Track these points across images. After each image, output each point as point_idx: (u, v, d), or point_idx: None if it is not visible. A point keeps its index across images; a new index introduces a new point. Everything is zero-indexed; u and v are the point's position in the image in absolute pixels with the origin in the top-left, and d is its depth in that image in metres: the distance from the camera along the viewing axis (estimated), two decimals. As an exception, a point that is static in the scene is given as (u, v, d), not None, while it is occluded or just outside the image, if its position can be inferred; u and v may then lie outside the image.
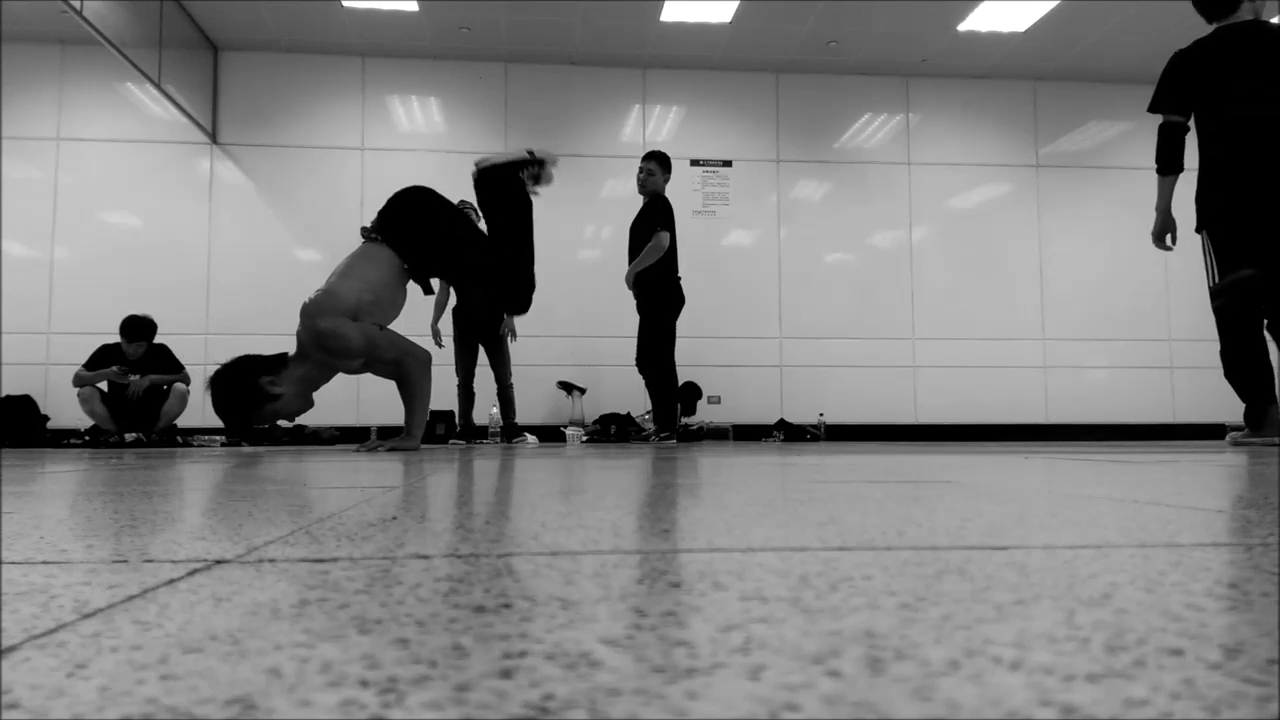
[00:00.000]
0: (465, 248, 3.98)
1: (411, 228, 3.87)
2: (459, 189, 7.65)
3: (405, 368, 3.80)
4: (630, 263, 5.63)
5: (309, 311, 3.68)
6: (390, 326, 3.91)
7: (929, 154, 8.21)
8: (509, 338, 6.20)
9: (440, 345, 6.15)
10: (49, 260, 7.31)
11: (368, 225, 3.99)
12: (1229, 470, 2.00)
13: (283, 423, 6.96)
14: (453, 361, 6.19)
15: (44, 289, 7.27)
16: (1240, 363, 3.26)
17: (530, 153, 4.10)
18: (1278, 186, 3.16)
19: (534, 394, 7.06)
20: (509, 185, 4.04)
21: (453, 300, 6.27)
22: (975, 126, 8.28)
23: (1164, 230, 3.63)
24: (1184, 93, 3.40)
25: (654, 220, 5.52)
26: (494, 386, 6.23)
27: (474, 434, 6.23)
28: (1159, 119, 3.60)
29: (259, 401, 3.59)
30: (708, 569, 0.62)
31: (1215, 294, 3.30)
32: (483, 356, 6.23)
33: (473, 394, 6.19)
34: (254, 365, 3.63)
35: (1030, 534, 0.82)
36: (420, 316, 5.97)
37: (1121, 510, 1.05)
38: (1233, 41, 3.33)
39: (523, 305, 4.27)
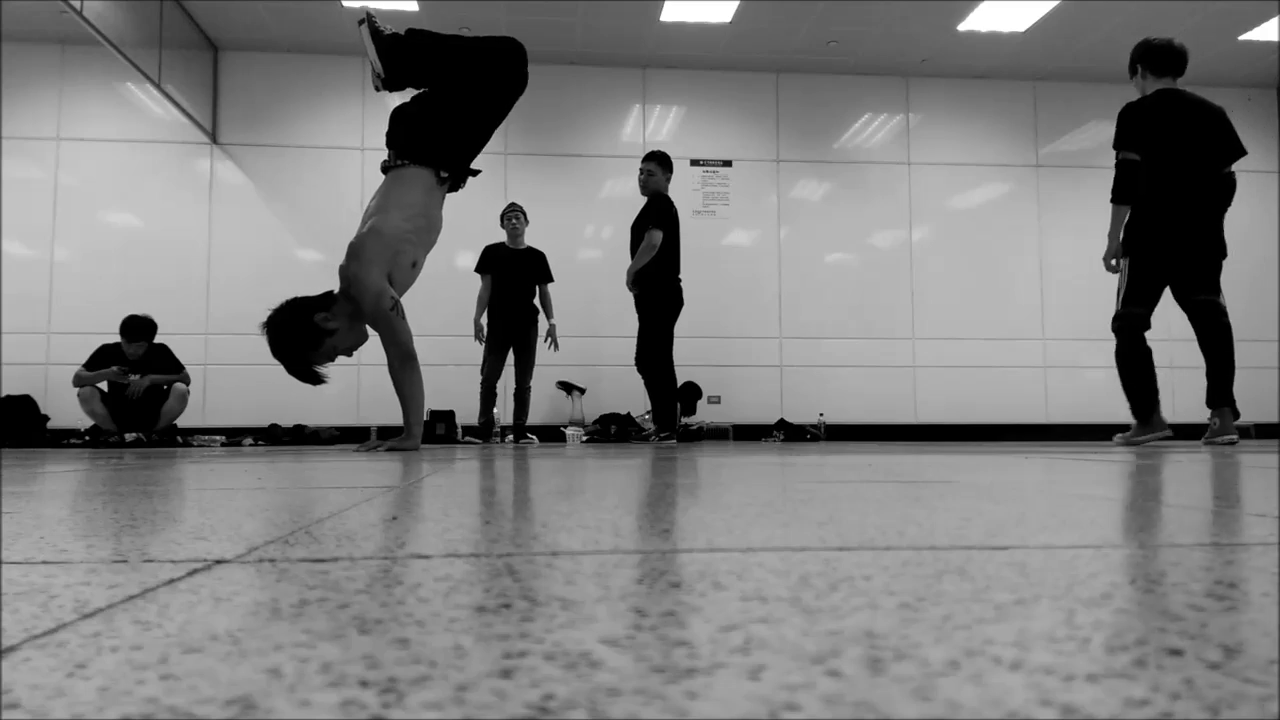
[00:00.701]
0: (463, 113, 3.89)
1: (429, 131, 3.83)
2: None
3: (389, 356, 3.79)
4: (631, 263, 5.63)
5: (351, 251, 3.70)
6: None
7: (929, 154, 8.21)
8: (550, 346, 6.29)
9: (481, 341, 6.21)
10: (49, 260, 7.31)
11: (386, 160, 3.96)
12: (1229, 470, 2.00)
13: (282, 423, 6.99)
14: (478, 361, 6.25)
15: (44, 289, 7.27)
16: (1131, 370, 4.04)
17: (364, 17, 4.04)
18: (1192, 239, 3.95)
19: (534, 394, 7.06)
20: (402, 52, 3.95)
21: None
22: (975, 126, 8.28)
23: (1114, 255, 4.13)
24: (1137, 137, 3.99)
25: (648, 219, 5.52)
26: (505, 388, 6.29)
27: (489, 433, 6.27)
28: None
29: (318, 338, 3.60)
30: (708, 569, 0.62)
31: (1116, 319, 4.12)
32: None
33: (495, 394, 6.24)
34: (306, 305, 3.64)
35: (1030, 534, 0.82)
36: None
37: (1121, 510, 1.05)
38: (1173, 104, 4.02)
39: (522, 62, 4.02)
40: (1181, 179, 3.91)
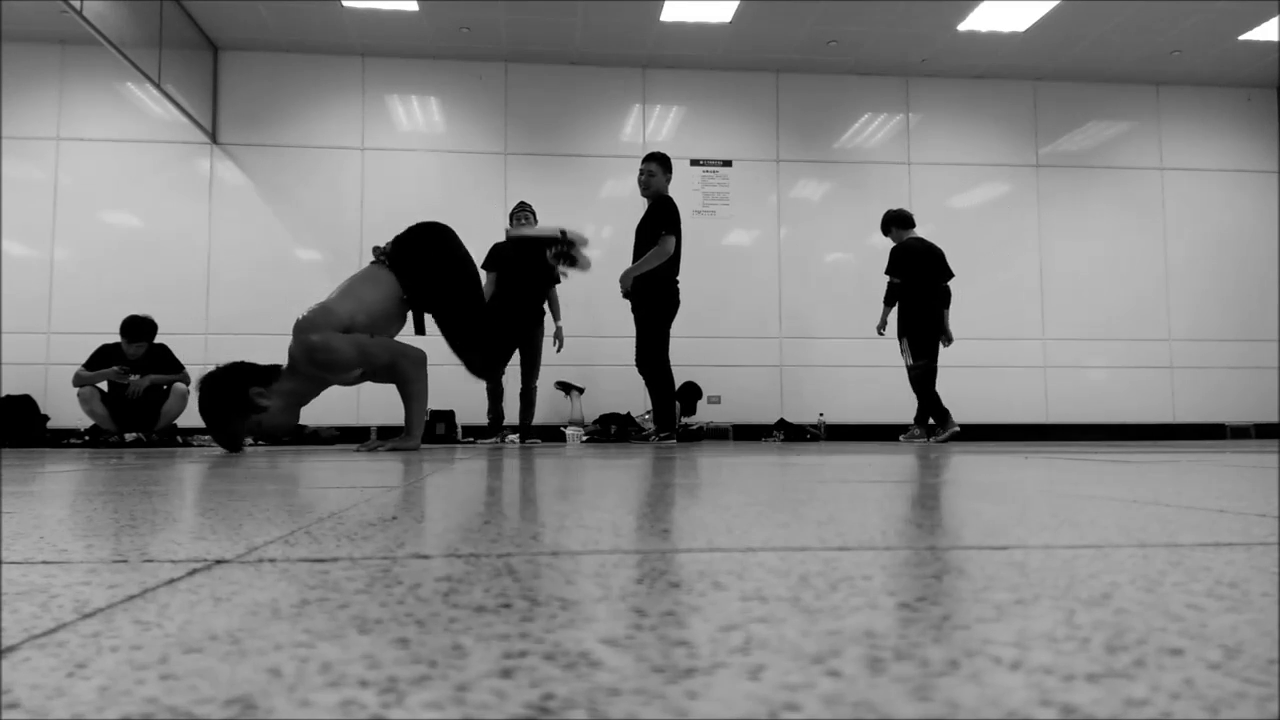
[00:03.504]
0: (467, 301, 3.92)
1: (421, 264, 3.84)
2: (457, 187, 7.65)
3: (400, 368, 3.79)
4: (633, 264, 5.57)
5: (301, 327, 3.68)
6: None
7: (929, 154, 8.21)
8: (556, 348, 6.30)
9: None
10: (49, 260, 7.31)
11: (381, 246, 3.96)
12: (1229, 470, 2.00)
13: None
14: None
15: (44, 289, 7.27)
16: (933, 396, 6.21)
17: (562, 232, 4.01)
18: (935, 329, 6.28)
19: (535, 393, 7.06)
20: (533, 262, 4.02)
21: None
22: (975, 126, 8.28)
23: (882, 325, 6.48)
24: (902, 267, 6.26)
25: (660, 223, 5.48)
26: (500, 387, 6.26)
27: (499, 429, 6.26)
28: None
29: (244, 411, 3.58)
30: (708, 569, 0.62)
31: (912, 369, 6.22)
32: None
33: (502, 389, 6.23)
34: (246, 374, 3.62)
35: (1030, 534, 0.82)
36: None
37: (1121, 510, 1.05)
38: (919, 248, 6.31)
39: (482, 371, 4.16)
40: (926, 291, 6.26)
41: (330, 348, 3.61)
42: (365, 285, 3.85)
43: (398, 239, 3.91)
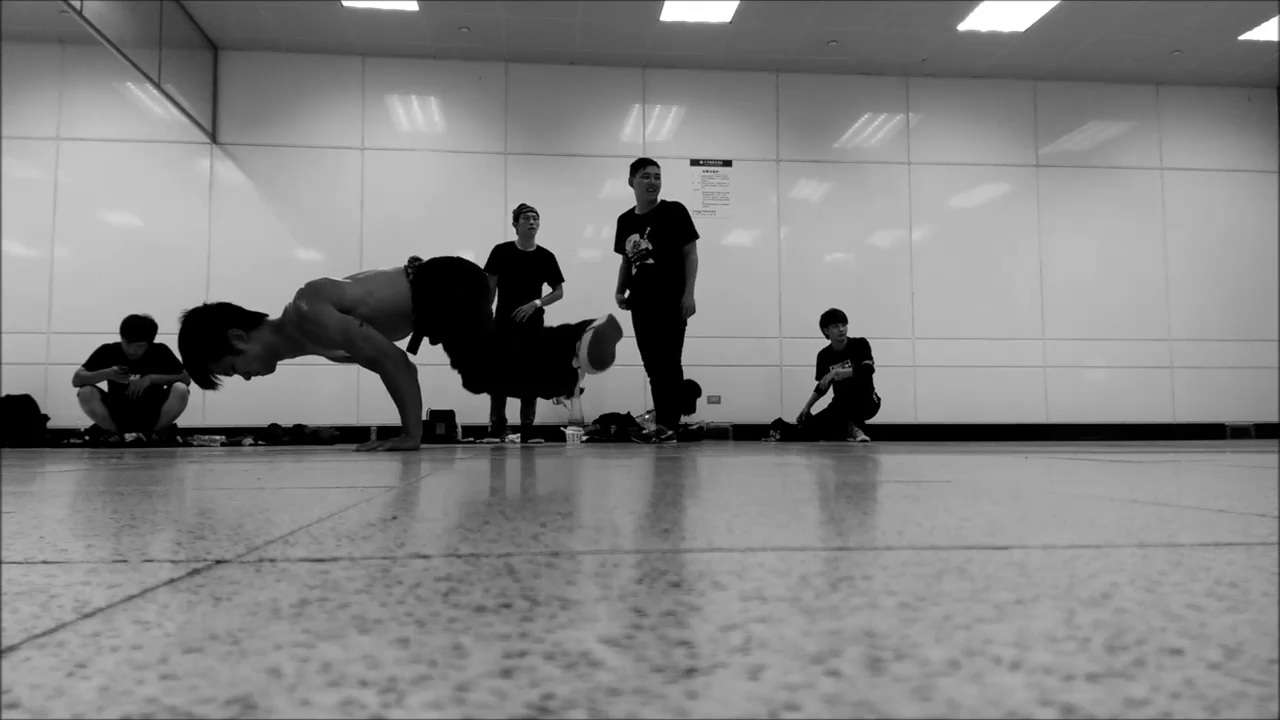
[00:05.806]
0: (469, 340, 3.90)
1: (437, 297, 3.84)
2: (457, 187, 7.64)
3: (381, 367, 3.80)
4: (634, 261, 5.60)
5: (302, 291, 3.72)
6: None
7: (929, 154, 8.21)
8: (520, 309, 6.11)
9: None
10: (49, 260, 7.31)
11: (418, 256, 3.99)
12: (1229, 470, 2.00)
13: (282, 423, 6.99)
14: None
15: (44, 289, 7.27)
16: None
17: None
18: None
19: (534, 394, 7.05)
20: (558, 348, 4.01)
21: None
22: (975, 126, 8.28)
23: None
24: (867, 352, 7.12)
25: (686, 230, 5.55)
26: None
27: (504, 431, 6.26)
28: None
29: (220, 350, 3.63)
30: (708, 569, 0.62)
31: (843, 381, 7.00)
32: None
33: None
34: (229, 315, 3.67)
35: (1030, 534, 0.82)
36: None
37: (1121, 510, 1.05)
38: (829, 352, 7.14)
39: (473, 389, 4.04)
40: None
41: (319, 322, 3.63)
42: (383, 281, 3.86)
43: (429, 263, 3.92)
